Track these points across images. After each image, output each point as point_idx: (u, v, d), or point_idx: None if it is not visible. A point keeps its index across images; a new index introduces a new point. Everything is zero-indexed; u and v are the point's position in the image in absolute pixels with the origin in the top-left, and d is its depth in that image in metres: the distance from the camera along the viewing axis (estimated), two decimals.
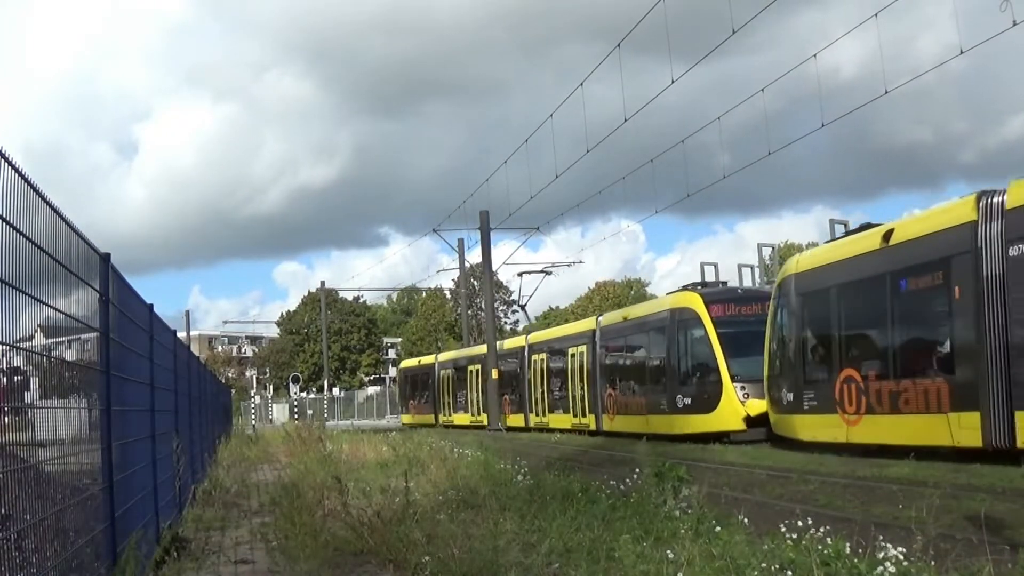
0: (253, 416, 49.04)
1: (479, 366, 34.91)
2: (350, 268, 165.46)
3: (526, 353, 31.06)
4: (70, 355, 5.19)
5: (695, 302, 20.64)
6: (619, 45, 21.44)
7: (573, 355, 26.91)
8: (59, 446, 4.49)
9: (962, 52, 15.92)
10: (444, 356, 42.89)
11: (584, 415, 25.95)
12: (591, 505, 8.10)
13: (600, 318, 26.94)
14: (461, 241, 46.05)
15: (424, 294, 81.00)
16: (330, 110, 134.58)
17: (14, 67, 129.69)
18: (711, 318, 20.01)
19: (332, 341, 75.66)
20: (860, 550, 5.23)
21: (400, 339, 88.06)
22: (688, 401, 20.46)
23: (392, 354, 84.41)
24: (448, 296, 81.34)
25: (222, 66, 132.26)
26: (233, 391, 53.25)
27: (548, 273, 32.70)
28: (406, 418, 44.55)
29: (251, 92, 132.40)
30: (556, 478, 10.13)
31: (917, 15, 75.71)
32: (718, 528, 6.60)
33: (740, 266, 20.84)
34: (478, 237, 37.86)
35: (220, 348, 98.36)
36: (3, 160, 3.42)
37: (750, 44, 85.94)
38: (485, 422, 33.19)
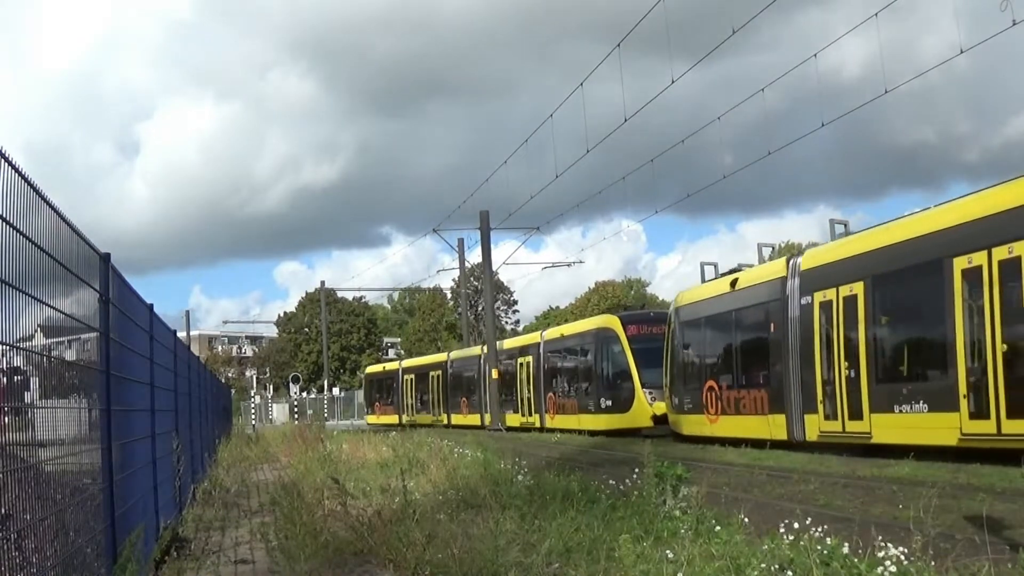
0: (253, 416, 49.12)
1: (439, 372, 40.35)
2: (351, 268, 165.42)
3: (481, 361, 35.62)
4: (70, 355, 5.19)
5: (615, 323, 26.05)
6: (619, 45, 21.47)
7: (522, 364, 31.89)
8: (59, 446, 4.49)
9: (962, 51, 15.96)
10: (407, 363, 47.49)
11: (531, 415, 30.81)
12: (591, 505, 8.10)
13: (544, 333, 32.39)
14: (461, 241, 46.09)
15: (424, 294, 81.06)
16: (334, 109, 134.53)
17: (17, 65, 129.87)
18: (627, 337, 25.21)
19: (332, 341, 75.66)
20: (860, 550, 5.23)
21: (400, 339, 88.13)
22: (609, 403, 25.70)
23: (392, 354, 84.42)
24: (448, 296, 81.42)
25: (226, 65, 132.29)
26: (233, 391, 53.33)
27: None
28: (371, 418, 47.80)
29: (255, 91, 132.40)
30: (556, 478, 10.13)
31: (921, 15, 75.68)
32: (718, 528, 6.61)
33: (740, 266, 20.84)
34: (478, 237, 37.92)
35: (220, 348, 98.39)
36: (3, 160, 3.42)
37: (756, 43, 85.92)
38: (444, 421, 37.60)
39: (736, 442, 18.06)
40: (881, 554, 4.95)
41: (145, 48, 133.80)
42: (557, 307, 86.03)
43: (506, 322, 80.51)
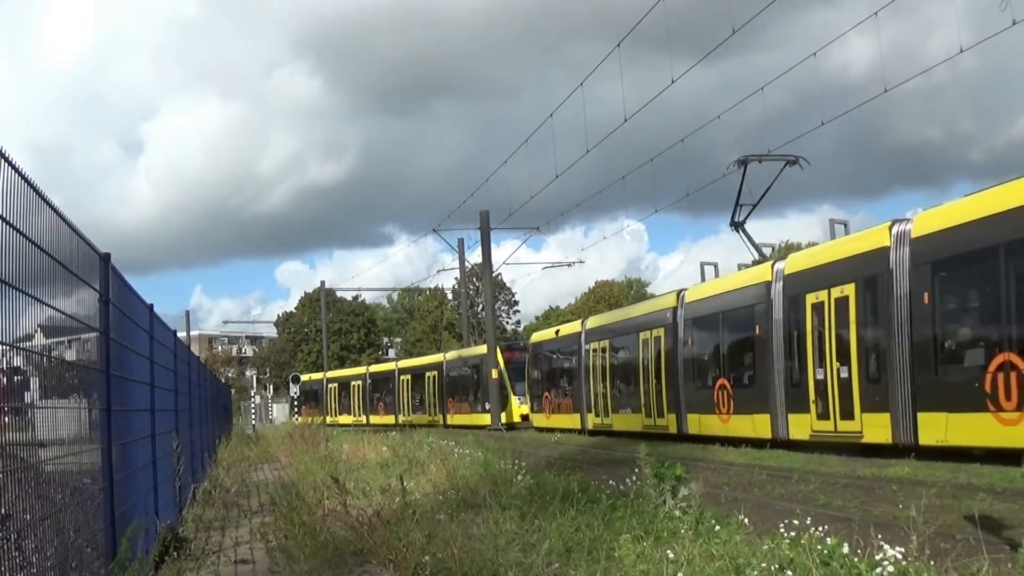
0: (253, 416, 49.35)
1: (359, 383, 51.87)
2: (352, 268, 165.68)
3: (397, 375, 47.46)
4: (70, 355, 5.19)
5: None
6: (619, 45, 21.53)
7: (429, 376, 42.79)
8: (59, 446, 4.49)
9: (962, 51, 16.00)
10: (331, 374, 58.49)
11: (434, 415, 41.42)
12: (591, 505, 8.10)
13: (446, 355, 42.84)
14: (461, 241, 46.15)
15: (425, 294, 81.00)
16: (339, 108, 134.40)
17: (20, 64, 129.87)
18: (504, 360, 35.87)
19: (331, 341, 75.65)
20: (859, 550, 5.23)
21: (400, 339, 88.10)
22: (491, 405, 35.57)
23: (392, 353, 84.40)
24: (449, 296, 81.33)
25: (231, 64, 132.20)
26: (233, 391, 53.60)
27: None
28: (301, 420, 54.40)
29: (260, 90, 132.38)
30: (556, 478, 10.13)
31: (926, 14, 75.64)
32: (718, 528, 6.61)
33: (740, 266, 20.86)
34: (479, 237, 37.94)
35: (220, 348, 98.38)
36: (3, 160, 3.42)
37: (763, 42, 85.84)
38: (364, 421, 47.61)
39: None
40: (879, 556, 4.95)
41: (149, 46, 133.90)
42: (558, 307, 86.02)
43: (507, 322, 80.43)
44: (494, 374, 34.02)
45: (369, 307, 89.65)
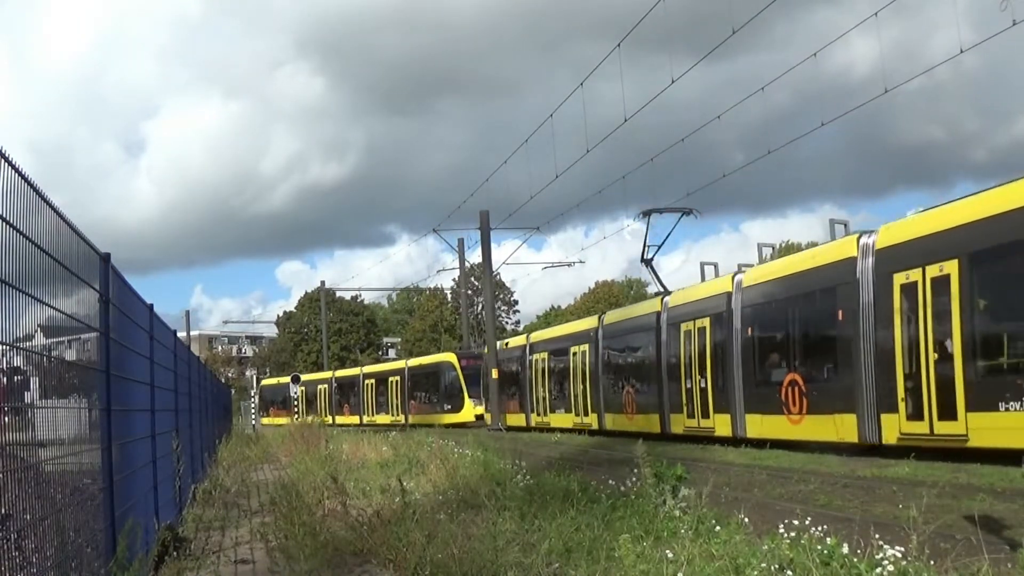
0: (253, 416, 49.54)
1: (325, 386, 55.63)
2: (353, 267, 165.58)
3: (361, 379, 52.04)
4: (70, 355, 5.19)
5: (453, 358, 42.01)
6: (619, 45, 21.52)
7: (392, 381, 47.15)
8: (59, 446, 4.49)
9: (962, 51, 15.98)
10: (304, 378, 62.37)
11: (397, 415, 45.37)
12: (591, 505, 8.09)
13: (408, 361, 47.91)
14: (461, 241, 46.17)
15: (424, 294, 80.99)
16: (342, 108, 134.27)
17: (22, 63, 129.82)
18: (460, 367, 40.56)
19: (331, 341, 75.64)
20: (860, 550, 5.23)
21: (399, 339, 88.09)
22: (450, 407, 40.72)
23: (392, 353, 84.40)
24: (448, 296, 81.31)
25: (233, 63, 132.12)
26: (233, 391, 53.84)
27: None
28: (265, 420, 57.20)
29: (263, 89, 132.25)
30: (556, 478, 10.13)
31: (929, 14, 75.61)
32: (718, 528, 6.60)
33: (740, 266, 20.87)
34: (479, 237, 37.93)
35: (220, 348, 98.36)
36: (3, 160, 3.42)
37: (766, 41, 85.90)
38: (331, 421, 49.04)
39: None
40: (879, 556, 4.95)
41: (151, 46, 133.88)
42: (558, 307, 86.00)
43: (506, 322, 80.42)
44: (494, 374, 33.94)
45: (369, 307, 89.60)
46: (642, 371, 23.79)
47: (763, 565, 5.18)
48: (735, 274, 19.53)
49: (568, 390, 28.15)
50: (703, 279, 21.97)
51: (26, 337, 3.94)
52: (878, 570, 4.84)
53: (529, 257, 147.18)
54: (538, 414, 30.93)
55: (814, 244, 29.92)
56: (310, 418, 52.39)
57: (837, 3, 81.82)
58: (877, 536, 5.21)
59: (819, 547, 5.25)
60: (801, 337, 17.47)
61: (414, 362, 47.39)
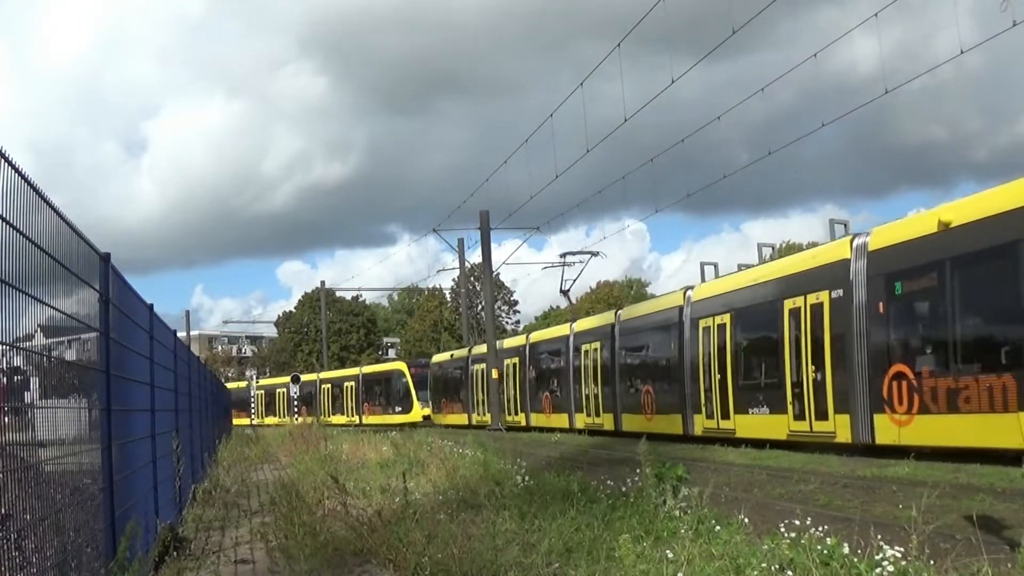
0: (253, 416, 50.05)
1: (284, 389, 58.09)
2: (354, 267, 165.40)
3: (319, 384, 56.72)
4: (70, 355, 5.18)
5: (404, 367, 47.39)
6: (619, 45, 21.53)
7: (346, 387, 52.78)
8: (59, 446, 4.49)
9: (962, 52, 15.98)
10: (261, 382, 66.38)
11: (352, 416, 50.01)
12: (591, 505, 8.09)
13: (362, 369, 54.07)
14: (461, 241, 46.17)
15: (424, 294, 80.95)
16: (344, 107, 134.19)
17: (22, 63, 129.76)
18: (410, 373, 45.84)
19: (331, 341, 75.62)
20: (860, 550, 5.23)
21: (399, 339, 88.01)
22: (400, 408, 45.90)
23: (392, 353, 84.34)
24: (448, 296, 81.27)
25: (235, 62, 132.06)
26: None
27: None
28: (238, 422, 60.44)
29: (264, 89, 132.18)
30: (556, 478, 10.13)
31: (932, 14, 75.56)
32: (718, 528, 6.60)
33: (740, 266, 20.88)
34: (479, 237, 37.92)
35: (220, 348, 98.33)
36: (3, 160, 3.42)
37: (770, 40, 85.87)
38: (288, 422, 52.09)
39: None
40: (879, 556, 4.95)
41: (153, 45, 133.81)
42: (558, 307, 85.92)
43: (506, 322, 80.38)
44: (495, 374, 33.92)
45: (369, 307, 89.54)
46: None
47: (763, 565, 5.17)
48: (685, 289, 21.98)
49: (503, 394, 33.76)
50: (703, 279, 21.98)
51: (26, 337, 3.93)
52: (878, 570, 4.84)
53: (530, 257, 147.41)
54: (479, 414, 35.65)
55: (815, 244, 29.93)
56: (269, 419, 56.59)
57: (841, 2, 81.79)
58: (877, 536, 5.21)
59: (819, 547, 5.25)
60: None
61: (368, 369, 53.66)
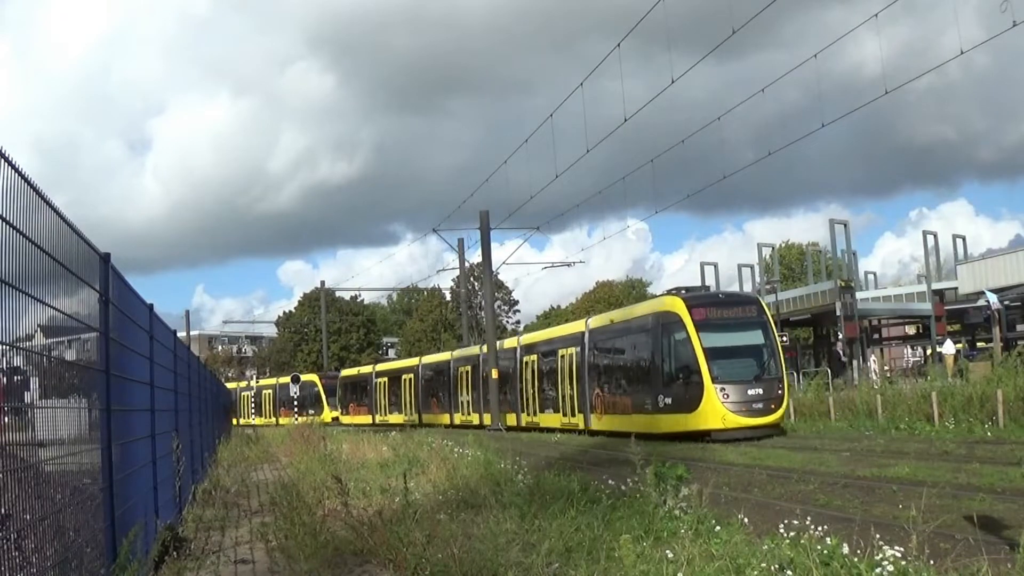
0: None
1: (271, 391, 61.28)
2: (355, 267, 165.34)
3: (238, 391, 62.36)
4: (70, 355, 5.19)
5: (316, 377, 54.35)
6: (619, 45, 21.56)
7: (265, 394, 59.98)
8: (59, 446, 4.49)
9: (963, 52, 16.02)
10: (230, 385, 67.22)
11: (270, 418, 55.29)
12: (591, 505, 8.10)
13: (279, 378, 59.30)
14: (461, 241, 46.22)
15: (424, 294, 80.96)
16: (352, 105, 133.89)
17: (27, 61, 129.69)
18: (321, 383, 53.89)
19: (331, 341, 75.63)
20: (860, 550, 5.23)
21: (399, 339, 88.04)
22: (314, 411, 48.59)
23: (392, 353, 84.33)
24: (448, 296, 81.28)
25: (242, 60, 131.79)
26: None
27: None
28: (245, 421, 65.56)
29: (271, 87, 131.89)
30: (556, 478, 10.13)
31: (937, 14, 75.65)
32: (718, 528, 6.60)
33: (740, 266, 20.92)
34: (479, 236, 37.93)
35: (220, 348, 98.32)
36: (3, 160, 3.42)
37: (775, 40, 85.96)
38: (274, 423, 55.78)
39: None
40: (879, 556, 4.95)
41: (158, 43, 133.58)
42: (559, 307, 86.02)
43: (507, 322, 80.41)
44: (494, 374, 33.89)
45: (369, 307, 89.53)
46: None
47: (763, 565, 5.17)
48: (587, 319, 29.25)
49: (401, 399, 43.73)
50: (703, 279, 22.09)
51: (26, 337, 3.93)
52: (878, 570, 4.84)
53: (532, 256, 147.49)
54: (381, 414, 45.97)
55: (814, 244, 29.94)
56: (243, 419, 58.57)
57: (848, 1, 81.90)
58: (877, 536, 5.21)
59: (819, 547, 5.25)
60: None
61: (284, 379, 58.24)
